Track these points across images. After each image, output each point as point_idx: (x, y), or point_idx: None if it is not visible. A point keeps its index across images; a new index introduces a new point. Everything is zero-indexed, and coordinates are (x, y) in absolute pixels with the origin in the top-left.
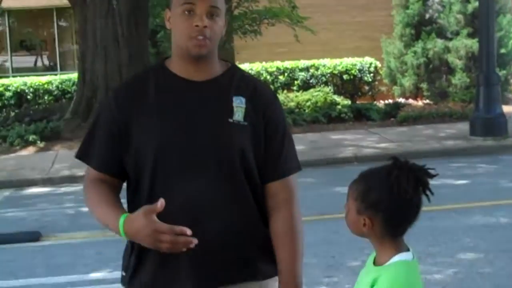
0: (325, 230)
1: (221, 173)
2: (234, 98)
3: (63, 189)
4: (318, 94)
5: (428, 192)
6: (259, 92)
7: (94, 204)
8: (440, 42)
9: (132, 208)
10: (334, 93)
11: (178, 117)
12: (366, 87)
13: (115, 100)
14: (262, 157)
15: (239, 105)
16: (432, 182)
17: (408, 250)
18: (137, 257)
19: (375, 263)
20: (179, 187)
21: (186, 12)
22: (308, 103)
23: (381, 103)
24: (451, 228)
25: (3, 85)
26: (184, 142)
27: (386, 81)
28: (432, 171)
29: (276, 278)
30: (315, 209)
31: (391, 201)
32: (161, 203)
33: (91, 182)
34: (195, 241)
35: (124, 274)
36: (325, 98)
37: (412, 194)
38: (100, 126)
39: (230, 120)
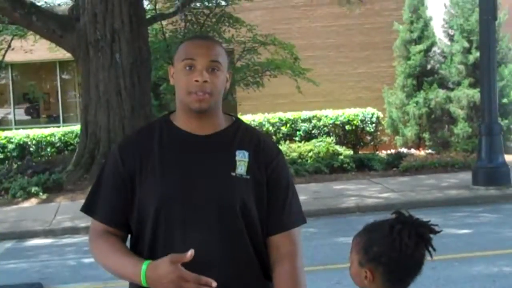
0: (328, 280)
1: (222, 227)
2: (237, 152)
3: (65, 241)
4: (321, 145)
5: (430, 248)
6: (262, 146)
7: (105, 254)
8: (442, 92)
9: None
10: (337, 143)
11: (181, 172)
12: (368, 137)
13: (120, 154)
14: (265, 211)
15: (242, 159)
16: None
17: None
18: None
19: None
20: (180, 241)
21: (187, 68)
22: (311, 154)
23: (383, 153)
24: (454, 277)
25: (6, 137)
26: (186, 197)
27: (388, 131)
28: (435, 228)
29: None
30: (318, 259)
31: (392, 255)
32: (191, 253)
33: (98, 234)
34: None
35: None
36: (328, 149)
37: (413, 250)
38: (105, 179)
39: (233, 174)
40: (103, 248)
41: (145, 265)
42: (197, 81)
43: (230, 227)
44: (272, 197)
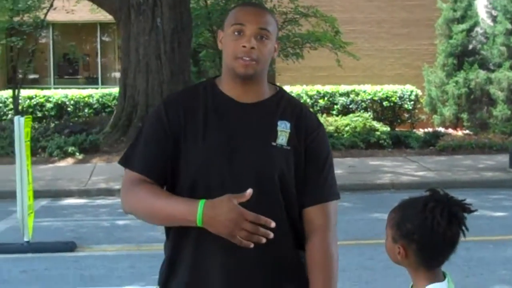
0: (360, 255)
1: (259, 194)
2: (279, 122)
3: (99, 201)
4: (358, 120)
5: (463, 228)
6: (304, 117)
7: (145, 198)
8: (482, 73)
9: None
10: (374, 119)
11: (223, 137)
12: (406, 115)
13: (166, 111)
14: (302, 182)
15: (283, 130)
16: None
17: (444, 279)
18: (168, 272)
19: None
20: None
21: (235, 33)
22: (347, 128)
23: (420, 132)
24: (487, 259)
25: (44, 96)
26: (225, 163)
27: (426, 109)
28: (469, 207)
29: None
30: (351, 234)
31: (424, 233)
32: (249, 191)
33: (133, 183)
34: (271, 235)
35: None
36: (364, 124)
37: (445, 228)
38: (146, 134)
39: (274, 144)
40: (141, 194)
41: (202, 202)
42: (244, 46)
43: (267, 195)
44: (309, 169)
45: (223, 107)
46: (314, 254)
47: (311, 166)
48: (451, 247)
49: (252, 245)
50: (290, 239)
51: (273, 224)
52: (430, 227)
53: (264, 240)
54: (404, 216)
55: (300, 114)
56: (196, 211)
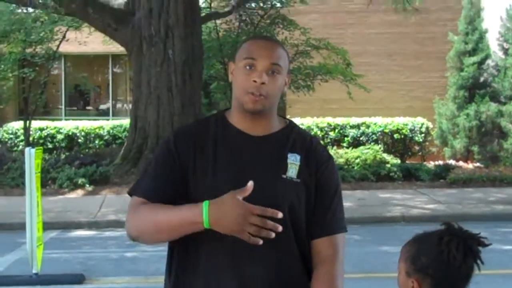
0: None
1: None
2: (289, 155)
3: (108, 233)
4: (368, 152)
5: (479, 261)
6: (314, 150)
7: (151, 213)
8: (493, 106)
9: (179, 247)
10: (384, 151)
11: (232, 170)
12: (417, 147)
13: (175, 142)
14: (311, 214)
15: (293, 162)
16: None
17: None
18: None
19: None
20: (227, 241)
21: (247, 67)
22: (358, 160)
23: (431, 164)
24: None
25: (55, 127)
26: None
27: (437, 142)
28: (484, 240)
29: None
30: (360, 267)
31: (440, 267)
32: (250, 184)
33: (137, 205)
34: (279, 228)
35: None
36: (375, 156)
37: (461, 262)
38: (155, 165)
39: (284, 176)
40: (144, 211)
41: (206, 203)
42: (255, 81)
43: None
44: (318, 201)
45: (233, 140)
46: (319, 282)
47: (320, 198)
48: (466, 281)
49: (261, 242)
50: (300, 271)
51: (280, 215)
52: (446, 261)
53: (273, 235)
54: (419, 250)
55: (310, 147)
56: (202, 213)
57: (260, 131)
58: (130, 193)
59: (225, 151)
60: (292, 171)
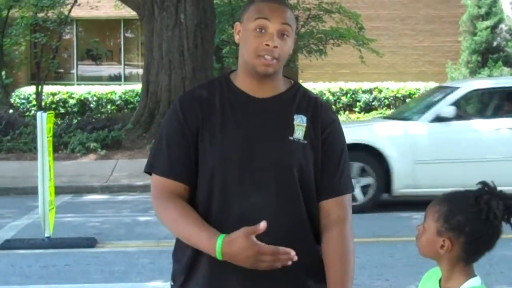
0: (381, 253)
1: (278, 190)
2: (296, 116)
3: (121, 198)
4: (380, 117)
5: None
6: (320, 111)
7: (175, 221)
8: (506, 70)
9: None
10: None
11: (240, 132)
12: None
13: (182, 110)
14: (319, 175)
15: (300, 124)
16: None
17: (476, 275)
18: (187, 270)
19: (440, 285)
20: (235, 202)
21: (257, 30)
22: None
23: None
24: (509, 257)
25: (67, 92)
26: (244, 158)
27: None
28: None
29: None
30: (371, 231)
31: (477, 225)
32: (263, 224)
33: (163, 193)
34: (295, 258)
35: (172, 284)
36: None
37: (500, 221)
38: (166, 136)
39: (291, 138)
40: (172, 215)
41: (220, 240)
42: (268, 45)
43: (287, 190)
44: (325, 162)
45: (239, 102)
46: (331, 247)
47: (327, 160)
48: (495, 241)
49: (293, 260)
50: (310, 234)
51: (293, 253)
52: (484, 219)
53: (289, 263)
54: (453, 208)
55: (315, 107)
56: (215, 247)
57: (266, 93)
58: (149, 171)
59: (232, 113)
60: (299, 132)
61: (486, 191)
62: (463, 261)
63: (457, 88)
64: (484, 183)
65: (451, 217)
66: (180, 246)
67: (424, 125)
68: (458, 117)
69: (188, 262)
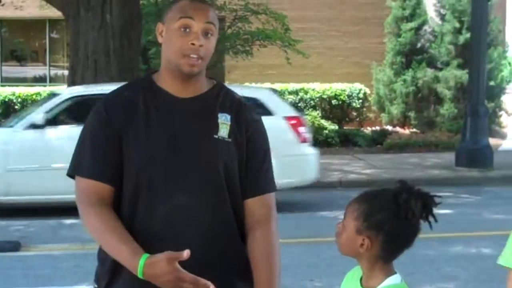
0: (305, 253)
1: (205, 189)
2: (220, 115)
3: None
4: (306, 118)
5: (431, 219)
6: (243, 110)
7: (99, 230)
8: (430, 72)
9: None
10: (322, 117)
11: (164, 133)
12: (354, 113)
13: (106, 110)
14: (243, 174)
15: (224, 122)
16: None
17: (395, 273)
18: (111, 271)
19: (361, 284)
20: (161, 202)
21: (182, 29)
22: None
23: (368, 130)
24: (432, 257)
25: None
26: (169, 158)
27: (374, 108)
28: (437, 199)
29: None
30: (297, 231)
31: (396, 223)
32: (187, 253)
33: (88, 199)
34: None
35: (96, 286)
36: (313, 122)
37: (418, 219)
38: (89, 138)
39: (215, 136)
40: (96, 225)
41: (142, 260)
42: (193, 44)
43: (213, 188)
44: (249, 161)
45: (163, 103)
46: (257, 247)
47: (251, 158)
48: (414, 238)
49: None
50: (237, 233)
51: (212, 287)
52: (403, 217)
53: None
54: (372, 207)
55: (239, 106)
56: (137, 267)
57: (189, 93)
58: (72, 173)
59: (156, 114)
60: (224, 130)
61: (404, 189)
62: (382, 260)
63: (57, 94)
64: (402, 182)
65: (370, 216)
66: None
67: (18, 133)
68: (51, 123)
69: (112, 264)
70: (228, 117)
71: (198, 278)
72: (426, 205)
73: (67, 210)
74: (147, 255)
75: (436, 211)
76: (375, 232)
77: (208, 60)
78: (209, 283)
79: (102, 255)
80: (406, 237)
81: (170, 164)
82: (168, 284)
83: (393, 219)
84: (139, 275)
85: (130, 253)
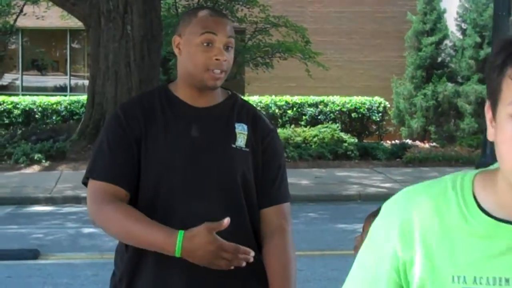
0: (325, 266)
1: (222, 198)
2: (237, 125)
3: (65, 209)
4: (326, 131)
5: None
6: (259, 120)
7: (121, 222)
8: (450, 86)
9: None
10: (342, 130)
11: (182, 141)
12: (374, 127)
13: (124, 116)
14: (259, 184)
15: (241, 132)
16: None
17: None
18: (127, 279)
19: None
20: (179, 210)
21: (204, 44)
22: (315, 139)
23: (387, 143)
24: None
25: (12, 102)
26: (187, 166)
27: (394, 121)
28: None
29: None
30: (316, 244)
31: None
32: (227, 220)
33: (103, 198)
34: (251, 259)
35: None
36: (332, 135)
37: None
38: (107, 143)
39: (233, 146)
40: (114, 215)
41: (180, 235)
42: (218, 59)
43: (231, 197)
44: (265, 171)
45: (181, 112)
46: (273, 256)
47: (267, 168)
48: None
49: (232, 267)
50: (252, 242)
51: (252, 253)
52: None
53: (244, 264)
54: None
55: (254, 117)
56: (175, 243)
57: (205, 102)
58: (88, 177)
59: (174, 123)
60: (241, 140)
61: None
62: None
63: None
64: None
65: None
66: (119, 255)
67: None
68: None
69: (128, 271)
70: (245, 127)
71: (238, 246)
72: None
73: (86, 220)
74: (183, 231)
75: None
76: None
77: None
78: (249, 249)
79: (118, 264)
80: None
81: (188, 173)
82: (207, 255)
83: None
84: (177, 252)
85: (165, 232)
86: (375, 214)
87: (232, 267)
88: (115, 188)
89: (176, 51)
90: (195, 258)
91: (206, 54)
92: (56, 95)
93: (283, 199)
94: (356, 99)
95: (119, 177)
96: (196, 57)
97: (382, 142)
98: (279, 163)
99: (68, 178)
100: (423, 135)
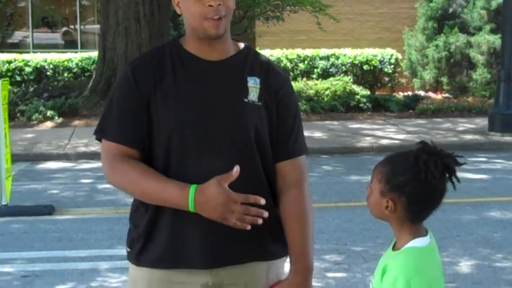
0: (339, 217)
1: (235, 152)
2: (249, 78)
3: (78, 165)
4: (338, 83)
5: (454, 180)
6: (272, 72)
7: (135, 179)
8: (462, 37)
9: None
10: (354, 83)
11: (194, 96)
12: (386, 79)
13: (133, 75)
14: (274, 138)
15: (253, 85)
16: None
17: (426, 235)
18: (146, 234)
19: (394, 247)
20: (193, 165)
21: None
22: (327, 92)
23: (400, 95)
24: (464, 221)
25: (23, 60)
26: (199, 120)
27: (406, 73)
28: (460, 159)
29: (284, 258)
30: (330, 196)
31: (417, 185)
32: (236, 169)
33: (116, 157)
34: (265, 214)
35: (129, 250)
36: (344, 88)
37: (438, 180)
38: (117, 101)
39: (245, 100)
40: (129, 173)
41: (192, 188)
42: (211, 5)
43: (244, 151)
44: (280, 124)
45: (191, 66)
46: (290, 209)
47: (282, 121)
48: (439, 200)
49: (249, 227)
50: (267, 196)
51: (262, 201)
52: (423, 179)
53: (260, 221)
54: (394, 169)
55: (268, 69)
56: (188, 197)
57: (217, 55)
58: (99, 136)
59: (185, 78)
60: (253, 94)
61: (425, 151)
62: (409, 221)
63: None
64: (423, 143)
65: (392, 178)
66: (137, 210)
67: None
68: None
69: (146, 228)
70: (258, 80)
71: (248, 195)
72: (447, 165)
73: (100, 176)
74: (196, 185)
75: (469, 176)
76: (398, 194)
77: (231, 16)
78: (259, 197)
79: (136, 220)
80: (429, 198)
81: (199, 128)
82: (218, 208)
83: (414, 180)
84: (190, 206)
85: (178, 187)
86: (382, 163)
87: (249, 227)
88: (126, 148)
89: (177, 9)
90: (207, 212)
91: (199, 3)
92: (67, 52)
93: (299, 151)
94: (368, 51)
95: (129, 138)
96: (192, 9)
97: (394, 94)
98: (294, 116)
99: (81, 134)
100: (436, 87)
